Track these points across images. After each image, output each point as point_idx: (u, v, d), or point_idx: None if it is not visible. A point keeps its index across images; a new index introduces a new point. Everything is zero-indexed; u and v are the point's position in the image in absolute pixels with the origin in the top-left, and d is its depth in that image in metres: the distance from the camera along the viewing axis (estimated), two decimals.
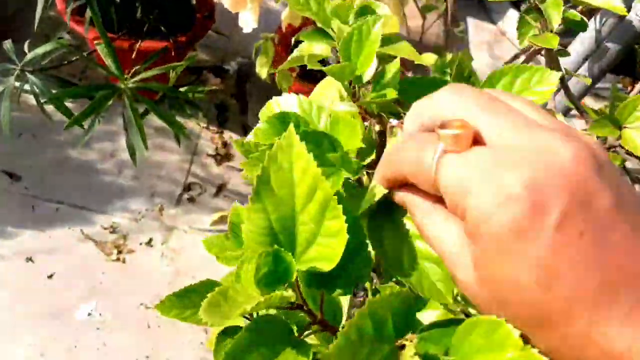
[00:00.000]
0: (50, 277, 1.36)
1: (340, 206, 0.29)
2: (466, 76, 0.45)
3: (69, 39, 1.30)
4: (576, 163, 0.22)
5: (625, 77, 0.66)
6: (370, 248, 0.34)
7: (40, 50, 1.18)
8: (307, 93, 1.75)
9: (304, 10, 0.64)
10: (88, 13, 1.46)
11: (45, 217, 1.45)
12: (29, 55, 1.18)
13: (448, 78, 0.44)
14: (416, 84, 0.42)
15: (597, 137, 0.54)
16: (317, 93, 0.67)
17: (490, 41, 2.42)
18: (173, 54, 1.51)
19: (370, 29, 0.43)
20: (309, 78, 1.63)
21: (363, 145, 0.40)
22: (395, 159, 0.28)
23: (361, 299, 0.32)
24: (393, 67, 0.45)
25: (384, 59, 0.60)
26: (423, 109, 0.27)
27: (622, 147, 0.50)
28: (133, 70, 1.28)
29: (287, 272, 0.30)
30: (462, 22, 1.55)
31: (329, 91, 0.67)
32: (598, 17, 0.91)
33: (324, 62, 0.77)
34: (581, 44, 0.93)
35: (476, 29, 2.37)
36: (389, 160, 0.29)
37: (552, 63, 0.60)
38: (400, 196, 0.29)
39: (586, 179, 0.21)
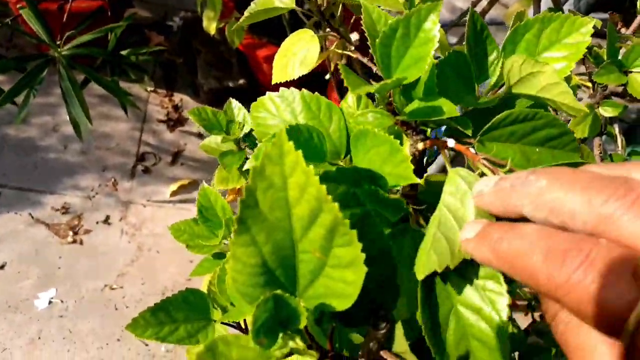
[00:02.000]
0: (1, 267, 1.26)
1: (354, 231, 0.22)
2: (479, 31, 0.38)
3: None
4: None
5: (614, 12, 0.61)
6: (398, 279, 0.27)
7: None
8: (261, 48, 1.65)
9: None
10: None
11: None
12: None
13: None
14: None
15: (601, 85, 0.50)
16: (285, 50, 0.59)
17: None
18: (109, 13, 1.38)
19: (421, 22, 0.30)
20: (262, 30, 1.53)
21: (418, 181, 0.29)
22: (530, 258, 0.20)
23: (383, 331, 0.26)
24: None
25: None
26: (561, 204, 0.20)
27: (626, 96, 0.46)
28: (66, 35, 1.16)
29: (292, 317, 0.24)
30: None
31: (298, 47, 0.59)
32: None
33: (293, 15, 0.68)
34: None
35: None
36: (514, 249, 0.21)
37: (554, 3, 0.54)
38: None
39: None
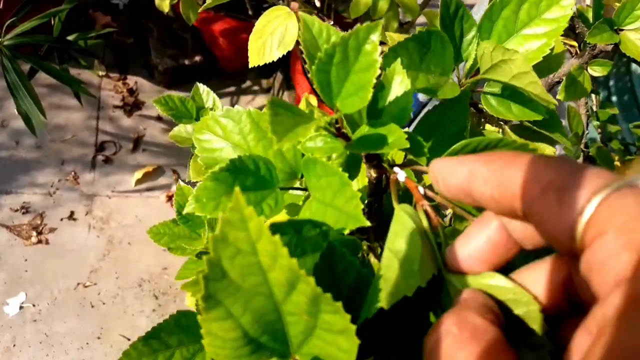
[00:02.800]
0: None
1: (339, 303, 0.20)
2: (452, 12, 0.36)
3: None
4: None
5: None
6: None
7: None
8: (216, 21, 1.59)
9: None
10: None
11: None
12: None
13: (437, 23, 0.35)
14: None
15: (589, 45, 0.48)
16: (261, 29, 0.55)
17: None
18: None
19: (360, 45, 0.26)
20: (220, 5, 1.46)
21: (368, 224, 0.27)
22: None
23: None
24: (395, 73, 0.28)
25: None
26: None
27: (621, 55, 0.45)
28: (7, 23, 1.07)
29: None
30: None
31: (275, 26, 0.55)
32: None
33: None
34: None
35: None
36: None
37: None
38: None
39: None
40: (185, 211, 0.30)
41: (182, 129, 0.74)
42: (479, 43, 0.36)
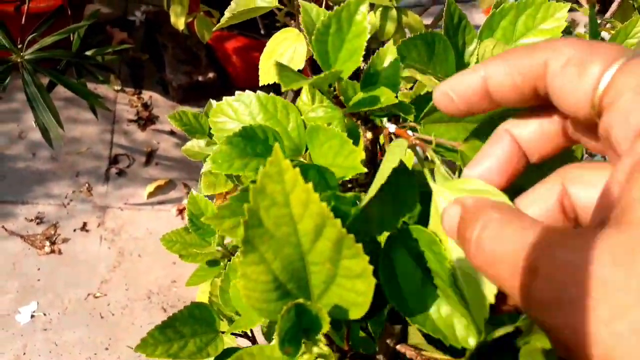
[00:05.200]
0: None
1: (360, 245, 0.22)
2: (456, 23, 0.38)
3: None
4: None
5: None
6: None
7: None
8: (230, 40, 1.62)
9: None
10: None
11: None
12: None
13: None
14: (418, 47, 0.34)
15: None
16: (271, 50, 0.58)
17: None
18: (69, 12, 1.32)
19: (352, 16, 0.30)
20: (234, 24, 1.49)
21: (365, 171, 0.31)
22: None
23: (399, 325, 0.26)
24: (388, 53, 0.32)
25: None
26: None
27: None
28: (28, 38, 1.11)
29: (314, 324, 0.24)
30: None
31: (280, 50, 0.58)
32: None
33: (269, 15, 0.67)
34: None
35: None
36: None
37: None
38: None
39: None
40: (203, 170, 0.33)
41: (195, 144, 0.76)
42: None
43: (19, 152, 1.41)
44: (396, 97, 0.29)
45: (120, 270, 1.30)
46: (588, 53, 0.20)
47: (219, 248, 0.62)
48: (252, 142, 0.34)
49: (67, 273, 1.27)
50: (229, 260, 0.55)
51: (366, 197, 0.25)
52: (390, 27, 0.70)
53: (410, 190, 0.28)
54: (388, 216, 0.27)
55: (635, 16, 0.46)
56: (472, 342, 0.25)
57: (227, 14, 0.56)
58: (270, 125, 0.37)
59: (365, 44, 0.29)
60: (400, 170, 0.27)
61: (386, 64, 0.32)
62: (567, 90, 0.20)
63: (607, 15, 0.55)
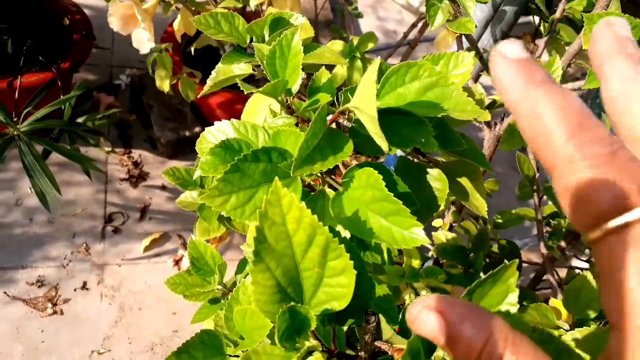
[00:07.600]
0: None
1: (342, 246, 0.29)
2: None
3: None
4: None
5: (526, 33, 0.71)
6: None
7: None
8: (213, 95, 1.69)
9: (217, 33, 0.62)
10: None
11: None
12: None
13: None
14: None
15: None
16: (249, 111, 0.65)
17: (373, 3, 2.48)
18: (59, 83, 1.40)
19: (290, 42, 0.43)
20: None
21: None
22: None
23: (373, 324, 0.33)
24: (323, 76, 0.46)
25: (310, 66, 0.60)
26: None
27: None
28: (24, 112, 1.18)
29: (304, 323, 0.31)
30: None
31: (259, 107, 0.65)
32: None
33: (247, 80, 0.75)
34: (481, 11, 0.98)
35: None
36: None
37: (469, 42, 0.62)
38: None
39: None
40: (194, 177, 0.51)
41: (188, 195, 0.83)
42: None
43: (16, 219, 1.45)
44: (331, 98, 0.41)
45: (122, 325, 1.34)
46: (586, 187, 0.19)
47: (219, 287, 0.67)
48: (230, 151, 0.43)
49: (70, 333, 1.30)
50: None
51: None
52: (357, 76, 0.78)
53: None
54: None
55: (554, 54, 0.54)
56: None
57: (210, 82, 0.63)
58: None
59: (302, 62, 0.43)
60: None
61: (324, 81, 0.44)
62: (564, 205, 0.20)
63: (541, 48, 0.63)
